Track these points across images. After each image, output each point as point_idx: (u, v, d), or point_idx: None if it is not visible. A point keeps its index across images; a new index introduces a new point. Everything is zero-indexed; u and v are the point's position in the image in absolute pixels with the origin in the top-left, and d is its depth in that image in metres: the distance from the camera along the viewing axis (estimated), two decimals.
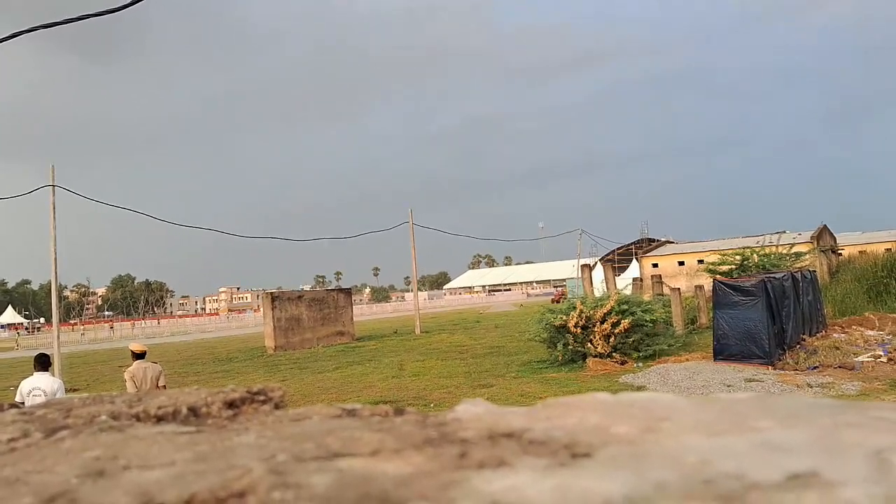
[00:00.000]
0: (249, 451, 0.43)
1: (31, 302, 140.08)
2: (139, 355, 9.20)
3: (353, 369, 20.18)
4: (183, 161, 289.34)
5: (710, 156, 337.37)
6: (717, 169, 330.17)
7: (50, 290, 24.12)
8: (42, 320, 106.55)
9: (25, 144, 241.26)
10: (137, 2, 5.40)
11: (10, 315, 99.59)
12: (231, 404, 0.60)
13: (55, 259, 21.86)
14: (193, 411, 0.58)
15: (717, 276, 20.63)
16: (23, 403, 7.98)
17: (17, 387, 8.40)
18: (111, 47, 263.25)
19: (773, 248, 26.54)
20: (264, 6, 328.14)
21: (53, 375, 8.54)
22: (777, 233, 36.08)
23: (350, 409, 0.55)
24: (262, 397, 0.63)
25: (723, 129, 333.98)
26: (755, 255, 25.57)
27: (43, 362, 8.33)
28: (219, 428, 0.53)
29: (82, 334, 64.49)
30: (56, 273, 22.08)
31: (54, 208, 21.69)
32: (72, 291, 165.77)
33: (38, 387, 7.97)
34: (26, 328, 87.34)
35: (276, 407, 0.61)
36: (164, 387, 9.08)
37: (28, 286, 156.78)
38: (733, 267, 25.28)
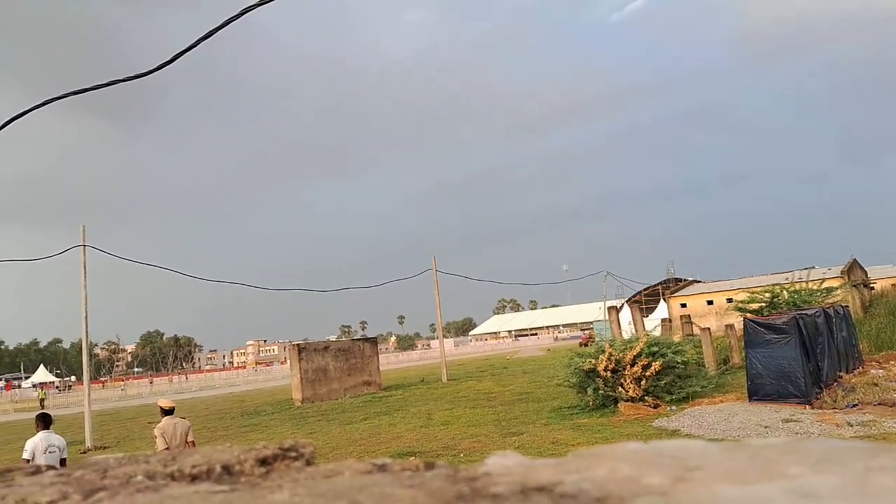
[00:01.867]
0: None
1: (62, 360, 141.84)
2: (168, 411, 9.29)
3: (380, 420, 20.00)
4: (208, 219, 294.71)
5: (732, 193, 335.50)
6: (741, 206, 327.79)
7: (81, 348, 24.42)
8: (73, 378, 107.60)
9: (55, 208, 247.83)
10: (162, 67, 5.60)
11: (42, 374, 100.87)
12: (263, 461, 0.61)
13: (86, 317, 22.19)
14: (227, 469, 0.59)
15: (748, 315, 20.33)
16: (29, 460, 8.10)
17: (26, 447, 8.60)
18: (135, 111, 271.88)
19: (804, 285, 26.15)
20: (280, 65, 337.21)
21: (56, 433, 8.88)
22: (806, 269, 35.55)
23: (380, 463, 0.55)
24: (293, 453, 0.63)
25: (741, 166, 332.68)
26: (785, 292, 25.22)
27: (46, 421, 8.70)
28: (252, 486, 0.53)
29: (123, 390, 65.49)
30: (87, 331, 22.39)
31: (85, 267, 22.11)
32: (102, 349, 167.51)
33: (52, 444, 8.34)
34: (57, 387, 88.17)
35: (308, 463, 0.62)
36: (193, 442, 9.14)
37: (59, 345, 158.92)
38: (763, 305, 24.95)
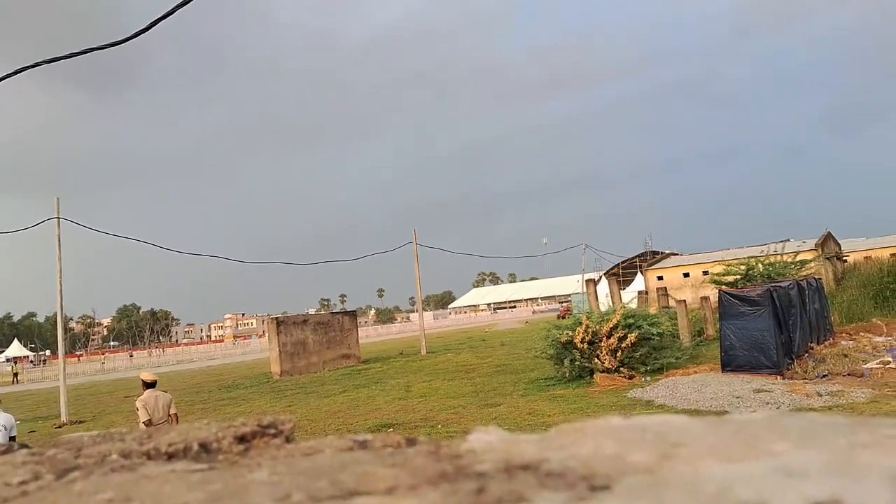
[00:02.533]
0: (263, 489, 0.42)
1: (36, 334, 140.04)
2: (150, 384, 9.25)
3: (359, 392, 20.09)
4: (185, 191, 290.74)
5: (710, 166, 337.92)
6: (718, 179, 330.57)
7: (56, 322, 24.11)
8: (48, 352, 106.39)
9: (29, 179, 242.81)
10: (138, 35, 5.46)
11: (17, 348, 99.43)
12: (242, 438, 0.60)
13: (61, 291, 21.88)
14: (204, 447, 0.58)
15: (723, 287, 20.61)
16: None
17: None
18: (112, 81, 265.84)
19: (778, 257, 26.51)
20: (263, 37, 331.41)
21: (6, 412, 8.90)
22: (781, 241, 36.00)
23: (361, 440, 0.54)
24: (272, 430, 0.62)
25: (721, 139, 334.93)
26: (760, 265, 25.57)
27: None
28: (231, 464, 0.52)
29: (103, 363, 65.19)
30: (62, 305, 22.10)
31: (60, 240, 21.74)
32: (77, 323, 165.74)
33: None
34: (31, 361, 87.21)
35: (287, 440, 0.61)
36: (175, 414, 9.17)
37: (34, 319, 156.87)
38: (738, 277, 25.29)
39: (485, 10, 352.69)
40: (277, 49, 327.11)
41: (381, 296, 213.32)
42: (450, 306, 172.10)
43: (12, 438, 8.52)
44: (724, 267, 26.86)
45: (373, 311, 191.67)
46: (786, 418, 0.46)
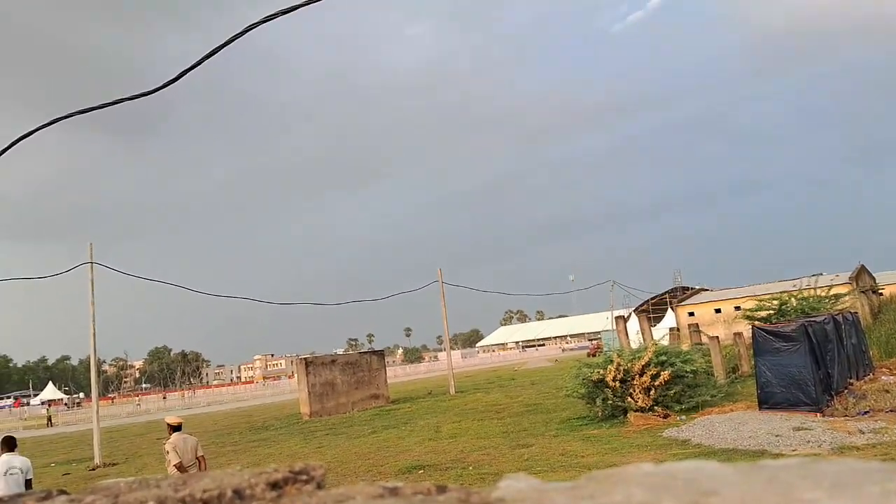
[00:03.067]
0: None
1: (70, 377, 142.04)
2: (176, 428, 9.49)
3: (388, 433, 19.94)
4: (213, 235, 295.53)
5: (739, 200, 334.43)
6: (747, 213, 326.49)
7: (89, 364, 24.45)
8: (82, 395, 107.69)
9: (62, 226, 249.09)
10: (167, 85, 5.64)
11: (51, 391, 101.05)
12: (274, 485, 0.61)
13: (94, 334, 22.25)
14: (238, 494, 0.59)
15: (756, 323, 20.22)
16: None
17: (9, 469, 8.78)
18: (139, 127, 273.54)
19: (812, 292, 25.99)
20: (281, 82, 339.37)
21: (21, 455, 9.04)
22: (814, 275, 35.36)
23: (392, 487, 0.54)
24: (304, 476, 0.63)
25: (747, 173, 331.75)
26: (793, 300, 25.11)
27: (10, 444, 8.95)
28: None
29: (138, 405, 65.78)
30: (94, 348, 22.44)
31: (93, 285, 22.19)
32: (110, 365, 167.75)
33: (14, 466, 8.55)
34: (66, 404, 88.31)
35: (319, 486, 0.61)
36: (202, 457, 9.32)
37: (68, 362, 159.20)
38: (772, 312, 24.84)
39: (501, 52, 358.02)
40: (297, 93, 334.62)
41: (408, 335, 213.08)
42: (477, 345, 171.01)
43: (28, 481, 8.72)
44: (757, 302, 26.39)
45: (400, 351, 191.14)
46: (820, 464, 0.45)
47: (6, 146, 7.70)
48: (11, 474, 8.52)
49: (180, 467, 8.98)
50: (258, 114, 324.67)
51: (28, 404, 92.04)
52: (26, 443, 32.67)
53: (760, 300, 26.42)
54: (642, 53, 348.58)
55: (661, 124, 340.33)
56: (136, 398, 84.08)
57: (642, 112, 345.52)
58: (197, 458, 9.24)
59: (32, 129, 7.81)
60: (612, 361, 17.22)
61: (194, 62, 6.60)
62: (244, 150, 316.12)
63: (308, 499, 0.54)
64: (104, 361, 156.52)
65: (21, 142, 7.72)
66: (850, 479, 0.42)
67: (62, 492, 0.66)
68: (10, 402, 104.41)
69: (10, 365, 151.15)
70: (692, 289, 58.38)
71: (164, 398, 79.27)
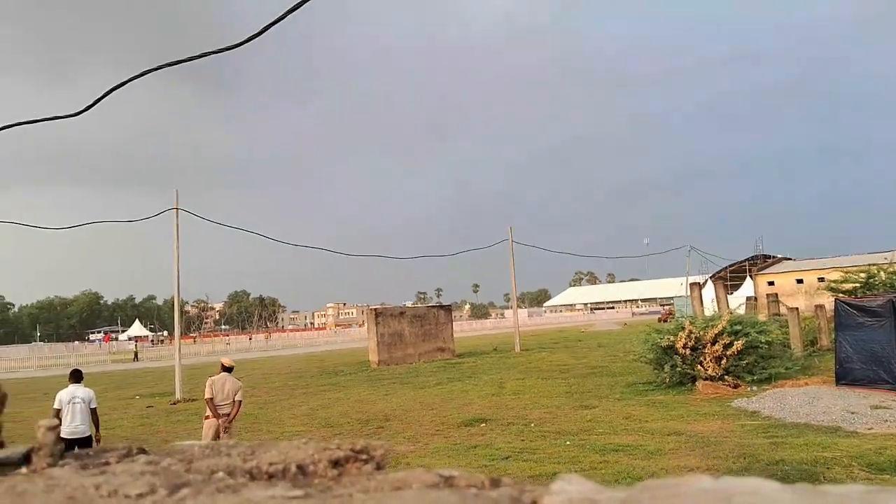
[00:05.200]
0: None
1: (155, 316, 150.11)
2: (228, 369, 10.17)
3: (453, 385, 20.29)
4: (293, 185, 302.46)
5: (829, 165, 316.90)
6: (839, 180, 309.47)
7: (173, 305, 25.74)
8: (165, 333, 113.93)
9: (147, 174, 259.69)
10: (251, 39, 5.73)
11: (138, 328, 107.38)
12: (336, 462, 0.63)
13: (178, 276, 23.36)
14: (301, 469, 0.61)
15: (840, 296, 19.40)
16: (59, 410, 9.35)
17: (90, 399, 9.80)
18: (224, 80, 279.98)
19: None
20: (361, 38, 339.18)
21: (86, 387, 10.03)
22: None
23: (447, 475, 0.56)
24: (364, 456, 0.65)
25: (842, 138, 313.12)
26: (882, 273, 23.91)
27: (77, 376, 9.90)
28: (324, 490, 0.55)
29: (227, 344, 69.11)
30: (178, 289, 23.58)
31: (178, 229, 23.20)
32: (192, 306, 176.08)
33: (76, 395, 9.55)
34: (152, 341, 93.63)
35: (378, 466, 0.64)
36: (240, 402, 10.00)
37: (153, 301, 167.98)
38: (858, 285, 23.77)
39: (579, 5, 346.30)
40: (378, 47, 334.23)
41: (476, 291, 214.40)
42: (545, 304, 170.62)
43: (93, 410, 9.72)
44: (842, 274, 25.26)
45: (468, 306, 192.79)
46: (885, 494, 0.43)
47: (99, 97, 8.04)
48: (75, 403, 9.51)
49: (210, 402, 9.73)
50: (340, 69, 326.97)
51: (116, 339, 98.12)
52: (114, 375, 34.94)
53: (847, 272, 25.28)
54: (741, 7, 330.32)
55: (752, 83, 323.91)
56: (226, 338, 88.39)
57: (737, 69, 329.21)
58: (234, 400, 9.86)
59: (124, 80, 8.12)
60: (683, 328, 16.89)
61: (278, 16, 6.67)
62: (326, 104, 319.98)
63: (367, 482, 0.56)
64: (187, 303, 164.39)
65: (113, 92, 8.04)
66: None
67: (141, 450, 0.71)
68: (100, 336, 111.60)
69: (101, 302, 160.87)
70: (774, 257, 56.30)
71: (250, 339, 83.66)
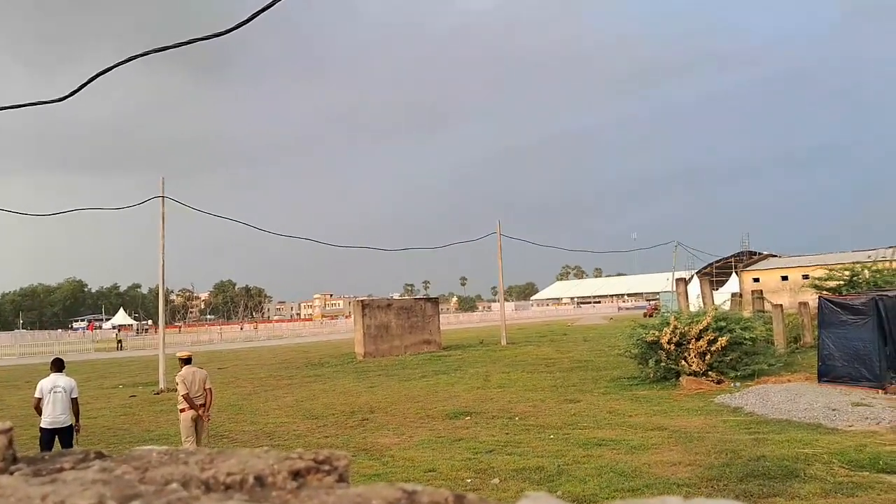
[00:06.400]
0: None
1: (140, 304, 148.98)
2: (186, 360, 10.51)
3: (438, 378, 20.30)
4: (279, 175, 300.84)
5: (815, 164, 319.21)
6: (823, 178, 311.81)
7: (158, 293, 25.56)
8: (150, 322, 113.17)
9: (133, 159, 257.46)
10: (239, 27, 5.66)
11: (122, 317, 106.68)
12: (297, 474, 0.61)
13: (163, 265, 23.17)
14: (260, 480, 0.59)
15: (824, 293, 19.57)
16: (40, 398, 9.46)
17: (66, 387, 9.82)
18: (212, 65, 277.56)
19: (887, 264, 24.88)
20: (353, 27, 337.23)
21: (68, 376, 10.09)
22: (890, 247, 33.73)
23: (410, 490, 0.53)
24: (326, 467, 0.62)
25: (828, 136, 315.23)
26: (866, 271, 24.13)
27: (58, 365, 10.00)
28: (282, 503, 0.53)
29: (220, 333, 68.87)
30: (163, 278, 23.39)
31: (164, 218, 23.00)
32: (177, 295, 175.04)
33: (58, 385, 9.61)
34: (136, 330, 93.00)
35: (341, 478, 0.61)
36: (210, 389, 10.40)
37: (138, 290, 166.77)
38: (841, 283, 23.98)
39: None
40: (366, 40, 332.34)
41: (463, 284, 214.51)
42: (532, 298, 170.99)
43: (74, 400, 9.76)
44: (827, 271, 25.46)
45: (455, 299, 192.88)
46: None
47: (84, 82, 7.92)
48: (55, 392, 9.55)
49: (187, 397, 9.97)
50: (331, 56, 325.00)
51: (100, 328, 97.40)
52: (97, 364, 34.68)
53: (831, 270, 25.47)
54: (738, 4, 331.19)
55: (748, 80, 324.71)
56: (218, 327, 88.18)
57: (719, 68, 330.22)
58: (205, 389, 10.20)
59: (110, 65, 8.00)
60: (668, 324, 16.97)
61: (268, 3, 6.59)
62: (311, 95, 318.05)
63: (326, 496, 0.53)
64: (172, 291, 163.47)
65: (100, 76, 7.93)
66: None
67: (99, 455, 0.68)
68: (83, 324, 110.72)
69: (85, 290, 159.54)
70: (759, 254, 56.70)
71: (242, 328, 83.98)
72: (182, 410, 10.20)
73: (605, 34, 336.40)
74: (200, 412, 10.04)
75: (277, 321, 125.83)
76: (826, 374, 14.81)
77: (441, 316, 35.86)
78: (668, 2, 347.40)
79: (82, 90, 8.03)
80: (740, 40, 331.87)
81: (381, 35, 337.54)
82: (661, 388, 15.84)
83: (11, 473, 0.65)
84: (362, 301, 32.18)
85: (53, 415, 9.51)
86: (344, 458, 0.64)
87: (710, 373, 16.17)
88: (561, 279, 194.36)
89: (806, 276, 37.36)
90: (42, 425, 9.54)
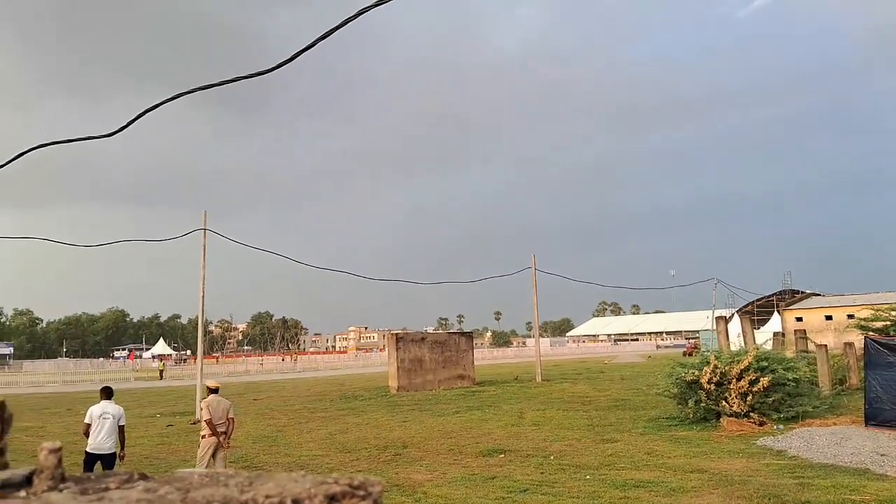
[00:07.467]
0: None
1: (180, 335, 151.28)
2: (214, 390, 11.00)
3: (472, 414, 20.11)
4: (317, 209, 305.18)
5: (862, 199, 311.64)
6: (870, 215, 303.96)
7: (197, 324, 25.96)
8: (189, 352, 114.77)
9: (179, 193, 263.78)
10: (282, 66, 5.83)
11: (161, 346, 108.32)
12: (332, 498, 0.62)
13: (203, 296, 23.58)
14: (297, 503, 0.61)
15: (870, 334, 18.99)
16: (89, 424, 9.70)
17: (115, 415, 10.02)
18: (255, 104, 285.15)
19: None
20: (383, 63, 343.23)
21: (116, 403, 10.32)
22: None
23: None
24: (361, 492, 0.64)
25: (872, 170, 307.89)
26: None
27: (108, 392, 10.23)
28: None
29: (261, 364, 69.90)
30: (203, 309, 23.79)
31: (205, 250, 23.48)
32: (216, 326, 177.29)
33: (107, 411, 9.90)
34: (174, 360, 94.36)
35: (375, 503, 0.62)
36: (232, 419, 10.98)
37: (178, 320, 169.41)
38: (889, 324, 23.24)
39: (603, 32, 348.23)
40: (400, 73, 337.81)
41: (497, 318, 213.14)
42: (568, 334, 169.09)
43: (121, 428, 10.02)
44: (873, 312, 24.72)
45: (489, 333, 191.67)
46: None
47: (133, 118, 8.21)
48: (104, 418, 9.82)
49: (210, 423, 10.52)
50: (367, 93, 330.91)
51: (141, 357, 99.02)
52: (138, 393, 35.21)
53: (877, 310, 24.74)
54: (764, 40, 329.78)
55: (776, 115, 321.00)
56: (260, 358, 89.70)
57: (759, 101, 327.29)
58: (227, 418, 10.76)
59: (158, 102, 8.29)
60: (708, 363, 16.61)
61: (309, 43, 6.79)
62: (350, 128, 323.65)
63: None
64: (211, 322, 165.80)
65: (148, 113, 8.21)
66: None
67: (143, 476, 0.70)
68: (125, 353, 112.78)
69: (127, 319, 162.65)
70: (802, 293, 55.39)
71: (283, 360, 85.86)
72: (203, 437, 10.76)
73: (643, 66, 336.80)
74: (221, 439, 10.57)
75: (313, 353, 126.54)
76: (873, 418, 14.31)
77: (475, 351, 35.68)
78: (703, 37, 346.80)
79: (130, 126, 8.32)
80: (765, 76, 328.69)
81: (418, 72, 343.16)
82: (700, 429, 15.44)
83: (60, 491, 0.68)
84: (396, 334, 32.21)
85: (99, 440, 9.73)
86: (378, 485, 0.65)
87: (751, 414, 15.73)
88: (597, 315, 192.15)
89: (851, 316, 36.31)
90: (87, 450, 9.75)
